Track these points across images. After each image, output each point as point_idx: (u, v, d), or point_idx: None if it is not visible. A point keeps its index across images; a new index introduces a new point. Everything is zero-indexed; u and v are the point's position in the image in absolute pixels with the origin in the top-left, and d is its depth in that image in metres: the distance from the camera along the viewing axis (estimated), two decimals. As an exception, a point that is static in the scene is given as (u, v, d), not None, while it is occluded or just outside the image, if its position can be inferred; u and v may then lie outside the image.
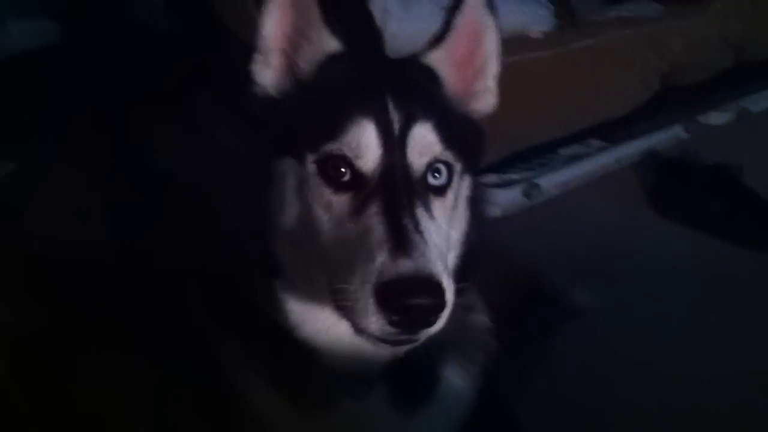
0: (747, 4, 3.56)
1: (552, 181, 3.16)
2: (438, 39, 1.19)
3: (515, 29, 2.68)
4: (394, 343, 0.92)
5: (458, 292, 1.14)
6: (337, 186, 1.00)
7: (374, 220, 0.93)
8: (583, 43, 2.86)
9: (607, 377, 2.06)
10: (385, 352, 1.06)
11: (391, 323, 0.85)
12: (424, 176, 1.03)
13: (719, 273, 2.63)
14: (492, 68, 1.22)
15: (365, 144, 0.99)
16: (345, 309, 0.92)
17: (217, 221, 1.78)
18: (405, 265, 0.86)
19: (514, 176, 3.08)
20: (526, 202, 3.06)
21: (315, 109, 1.08)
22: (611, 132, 3.39)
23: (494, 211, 2.97)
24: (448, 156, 1.06)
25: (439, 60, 1.18)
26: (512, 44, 2.66)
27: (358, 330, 0.92)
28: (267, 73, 1.13)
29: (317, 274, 1.02)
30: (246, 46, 1.13)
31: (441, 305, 0.87)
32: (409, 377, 1.16)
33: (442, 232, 1.02)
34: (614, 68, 3.07)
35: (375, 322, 0.86)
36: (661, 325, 2.31)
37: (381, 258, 0.87)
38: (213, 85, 2.12)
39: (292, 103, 1.12)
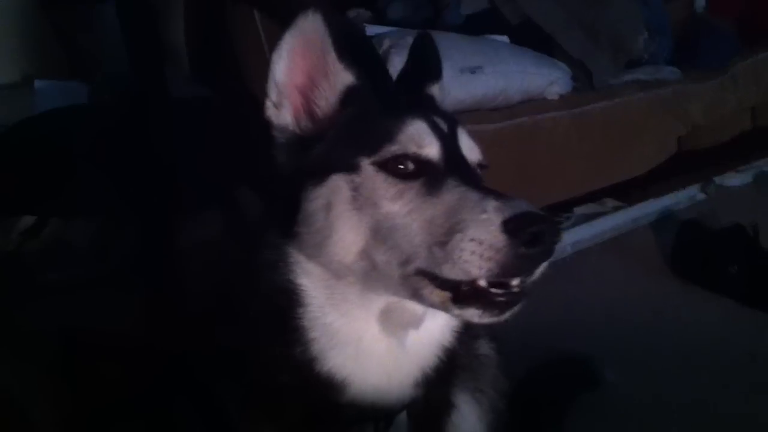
0: (763, 71, 3.62)
1: (567, 240, 3.20)
2: (437, 77, 1.39)
3: (533, 91, 2.74)
4: (507, 295, 0.98)
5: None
6: (404, 177, 1.06)
7: (460, 188, 1.01)
8: (600, 105, 2.91)
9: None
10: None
11: (518, 256, 0.91)
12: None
13: (737, 335, 2.65)
14: None
15: (426, 135, 1.10)
16: (436, 278, 0.99)
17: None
18: (520, 205, 0.94)
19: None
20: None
21: (357, 125, 1.15)
22: (628, 192, 3.42)
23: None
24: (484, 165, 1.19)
25: (436, 93, 1.38)
26: (530, 105, 2.75)
27: (461, 301, 0.99)
28: (284, 115, 1.19)
29: (365, 286, 1.08)
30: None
31: (558, 231, 0.94)
32: (428, 407, 1.18)
33: None
34: (631, 130, 3.11)
35: (503, 252, 0.92)
36: (680, 391, 2.30)
37: (492, 204, 0.95)
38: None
39: (324, 131, 1.17)
